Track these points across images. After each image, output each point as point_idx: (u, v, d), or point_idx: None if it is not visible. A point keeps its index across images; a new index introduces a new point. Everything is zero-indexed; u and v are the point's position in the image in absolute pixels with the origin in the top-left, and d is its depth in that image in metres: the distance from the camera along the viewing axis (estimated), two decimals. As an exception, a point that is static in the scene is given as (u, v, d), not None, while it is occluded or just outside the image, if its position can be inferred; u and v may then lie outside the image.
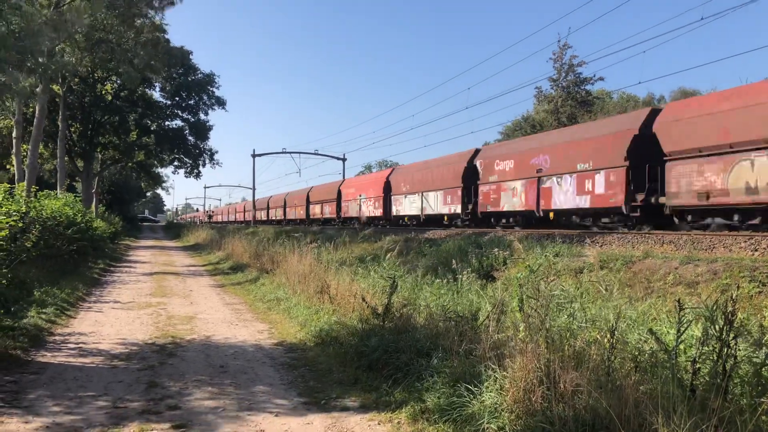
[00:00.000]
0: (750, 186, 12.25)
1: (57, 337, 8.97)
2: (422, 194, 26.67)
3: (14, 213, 11.26)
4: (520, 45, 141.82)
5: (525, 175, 19.42)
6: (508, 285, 9.69)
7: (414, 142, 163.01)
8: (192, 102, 45.01)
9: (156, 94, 44.15)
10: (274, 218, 57.36)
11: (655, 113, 15.48)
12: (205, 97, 45.10)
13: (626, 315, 6.46)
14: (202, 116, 45.87)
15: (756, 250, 10.04)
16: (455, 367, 5.73)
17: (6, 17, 10.81)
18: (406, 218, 28.74)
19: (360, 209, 34.35)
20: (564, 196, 17.55)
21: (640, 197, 15.11)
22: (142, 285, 16.31)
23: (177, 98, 44.38)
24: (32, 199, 15.16)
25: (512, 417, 4.65)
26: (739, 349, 4.28)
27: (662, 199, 14.50)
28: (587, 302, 7.56)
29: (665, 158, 14.34)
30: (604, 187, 16.12)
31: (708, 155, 13.24)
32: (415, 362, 6.32)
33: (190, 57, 41.65)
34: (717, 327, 4.17)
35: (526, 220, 20.05)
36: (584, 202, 16.83)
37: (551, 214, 18.32)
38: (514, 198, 19.96)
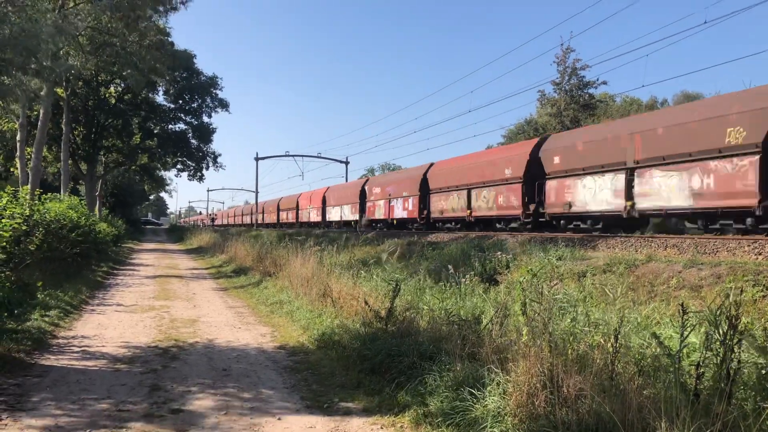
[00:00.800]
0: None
1: (60, 340, 8.98)
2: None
3: (18, 216, 11.30)
4: (523, 48, 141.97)
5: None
6: (511, 288, 9.67)
7: (417, 145, 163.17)
8: (195, 105, 45.21)
9: (159, 98, 44.35)
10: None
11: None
12: (208, 100, 45.29)
13: (630, 319, 6.45)
14: (205, 119, 46.08)
15: (760, 254, 10.02)
16: (458, 370, 5.72)
17: (9, 19, 10.86)
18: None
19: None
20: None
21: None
22: (145, 288, 16.34)
23: (180, 101, 44.57)
24: (36, 202, 15.20)
25: (515, 421, 4.64)
26: (744, 353, 4.27)
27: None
28: (590, 306, 7.55)
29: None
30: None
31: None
32: (418, 366, 6.31)
33: (194, 60, 41.82)
34: (721, 331, 4.16)
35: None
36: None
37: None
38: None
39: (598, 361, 4.80)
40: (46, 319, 9.90)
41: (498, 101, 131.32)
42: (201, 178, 48.32)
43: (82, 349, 8.40)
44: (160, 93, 43.33)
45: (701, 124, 13.45)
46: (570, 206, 17.70)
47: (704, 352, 4.26)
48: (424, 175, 27.54)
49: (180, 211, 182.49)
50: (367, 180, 37.70)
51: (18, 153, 24.43)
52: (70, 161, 33.23)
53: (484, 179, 22.20)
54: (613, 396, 4.32)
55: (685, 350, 4.62)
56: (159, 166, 50.62)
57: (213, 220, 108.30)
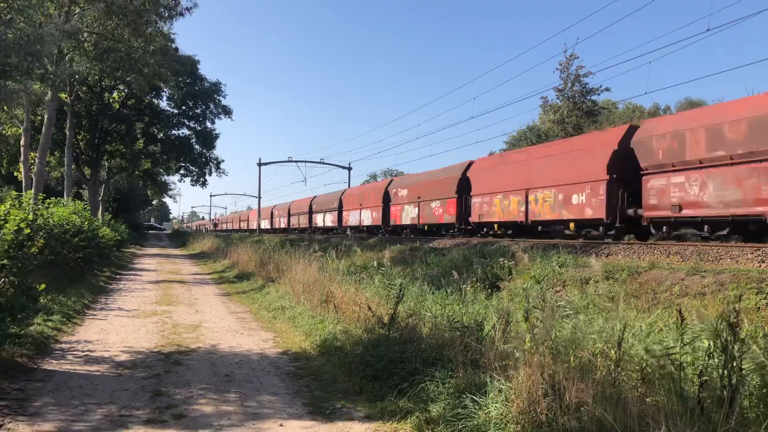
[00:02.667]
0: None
1: (63, 345, 8.99)
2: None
3: (21, 221, 11.33)
4: (526, 55, 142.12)
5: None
6: (513, 295, 9.67)
7: (419, 151, 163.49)
8: (198, 111, 45.29)
9: (163, 103, 44.45)
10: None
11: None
12: (211, 106, 45.38)
13: (633, 326, 6.44)
14: (208, 125, 46.16)
15: (763, 262, 10.01)
16: (460, 377, 5.72)
17: (14, 24, 10.92)
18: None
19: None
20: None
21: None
22: (147, 293, 16.35)
23: (184, 107, 44.66)
24: (39, 206, 15.24)
25: (517, 428, 4.64)
26: (746, 361, 4.26)
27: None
28: (593, 313, 7.54)
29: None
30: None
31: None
32: (420, 372, 6.30)
33: (198, 66, 41.94)
34: (723, 339, 4.15)
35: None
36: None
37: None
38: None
39: (600, 368, 4.80)
40: (49, 323, 9.91)
41: (500, 108, 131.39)
42: (204, 184, 48.48)
43: (85, 353, 8.41)
44: (164, 98, 43.50)
45: None
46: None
47: (706, 359, 4.26)
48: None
49: (183, 216, 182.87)
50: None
51: (22, 158, 24.49)
52: (73, 166, 33.30)
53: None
54: (615, 404, 4.32)
55: (688, 358, 4.62)
56: (162, 171, 50.74)
57: (216, 225, 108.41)
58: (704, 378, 4.17)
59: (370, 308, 8.66)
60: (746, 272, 8.66)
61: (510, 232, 21.65)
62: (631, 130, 16.99)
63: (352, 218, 37.76)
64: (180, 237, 72.47)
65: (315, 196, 48.84)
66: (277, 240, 30.58)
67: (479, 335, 6.74)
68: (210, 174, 47.81)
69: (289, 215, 54.52)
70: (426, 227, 28.18)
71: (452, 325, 7.21)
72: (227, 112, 45.88)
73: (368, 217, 35.19)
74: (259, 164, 55.95)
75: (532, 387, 4.73)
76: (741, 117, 13.24)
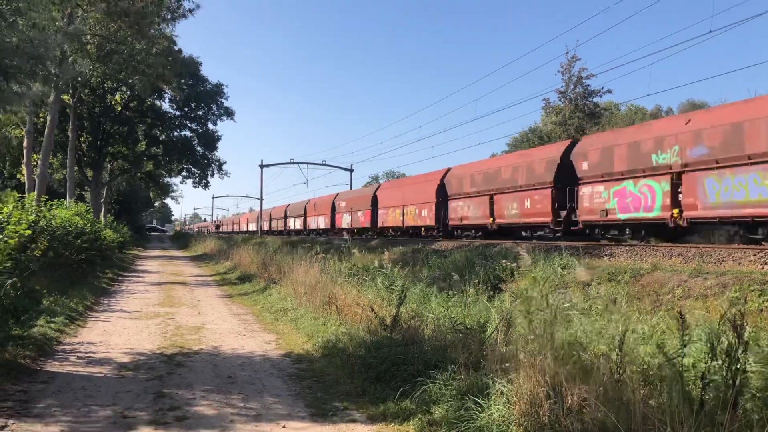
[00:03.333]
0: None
1: (65, 347, 9.01)
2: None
3: (24, 222, 11.35)
4: (528, 57, 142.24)
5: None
6: (515, 297, 9.66)
7: (422, 153, 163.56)
8: (201, 112, 45.39)
9: (165, 105, 44.54)
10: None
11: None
12: (213, 108, 45.48)
13: (635, 328, 6.43)
14: (210, 126, 46.24)
15: (766, 264, 9.99)
16: (463, 379, 5.73)
17: (17, 27, 10.95)
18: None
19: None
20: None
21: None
22: (150, 295, 16.38)
23: (186, 109, 44.75)
24: (42, 208, 15.27)
25: (520, 430, 4.64)
26: (750, 364, 4.26)
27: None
28: (595, 315, 7.53)
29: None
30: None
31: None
32: (422, 374, 6.30)
33: (200, 68, 42.03)
34: (726, 340, 4.15)
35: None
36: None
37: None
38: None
39: (602, 370, 4.79)
40: (52, 325, 9.93)
41: (502, 110, 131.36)
42: (206, 185, 48.59)
43: (87, 355, 8.43)
44: (166, 100, 43.60)
45: None
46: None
47: (709, 361, 4.26)
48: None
49: (185, 218, 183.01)
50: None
51: (24, 160, 24.53)
52: (75, 168, 33.39)
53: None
54: (618, 406, 4.32)
55: (691, 360, 4.62)
56: (164, 173, 50.83)
57: (218, 227, 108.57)
58: (707, 380, 4.17)
59: (372, 309, 8.67)
60: (749, 274, 8.64)
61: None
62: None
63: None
64: (182, 239, 72.58)
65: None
66: (279, 242, 30.59)
67: (481, 337, 6.75)
68: (212, 176, 47.93)
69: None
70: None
71: (455, 327, 7.22)
72: (229, 113, 46.01)
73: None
74: (261, 166, 56.02)
75: (534, 389, 4.73)
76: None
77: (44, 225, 13.72)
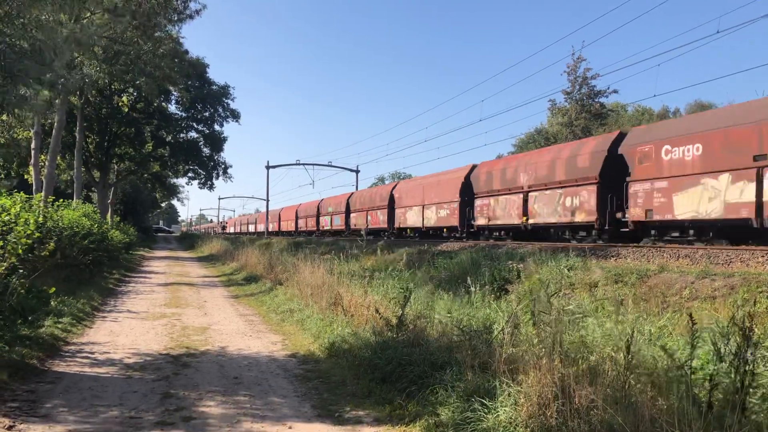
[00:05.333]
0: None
1: (73, 347, 9.05)
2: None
3: (32, 223, 11.40)
4: (534, 58, 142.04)
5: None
6: (521, 298, 9.64)
7: (428, 154, 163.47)
8: (207, 114, 45.53)
9: (171, 107, 44.72)
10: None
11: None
12: (220, 110, 45.61)
13: (642, 329, 6.41)
14: (216, 128, 46.38)
15: (774, 265, 9.94)
16: (469, 380, 5.71)
17: (28, 32, 11.00)
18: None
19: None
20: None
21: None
22: (156, 295, 16.42)
23: (192, 110, 44.91)
24: (49, 209, 15.33)
25: (527, 432, 4.62)
26: (758, 366, 4.24)
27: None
28: (602, 316, 7.51)
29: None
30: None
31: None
32: (429, 375, 6.30)
33: (206, 69, 42.17)
34: (734, 342, 4.13)
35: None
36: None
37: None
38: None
39: (610, 372, 4.78)
40: (59, 325, 9.97)
41: (509, 110, 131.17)
42: (211, 187, 48.70)
43: (95, 355, 8.46)
44: (173, 102, 43.77)
45: None
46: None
47: (717, 363, 4.24)
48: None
49: (191, 219, 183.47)
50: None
51: (32, 161, 24.67)
52: (83, 169, 33.53)
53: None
54: (626, 407, 4.30)
55: (698, 362, 4.59)
56: (170, 174, 51.01)
57: (224, 228, 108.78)
58: (716, 382, 4.15)
59: (377, 311, 8.67)
60: (757, 275, 8.60)
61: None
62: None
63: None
64: (188, 240, 72.75)
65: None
66: (285, 242, 30.61)
67: (488, 338, 6.74)
68: (217, 178, 48.08)
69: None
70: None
71: (461, 329, 7.21)
72: (235, 115, 46.15)
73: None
74: (267, 167, 56.16)
75: (542, 390, 4.72)
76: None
77: (51, 226, 13.77)
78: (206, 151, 46.94)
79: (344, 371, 7.59)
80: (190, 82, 38.96)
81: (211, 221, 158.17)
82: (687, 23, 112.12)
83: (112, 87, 37.86)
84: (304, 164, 57.57)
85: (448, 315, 8.62)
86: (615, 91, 44.19)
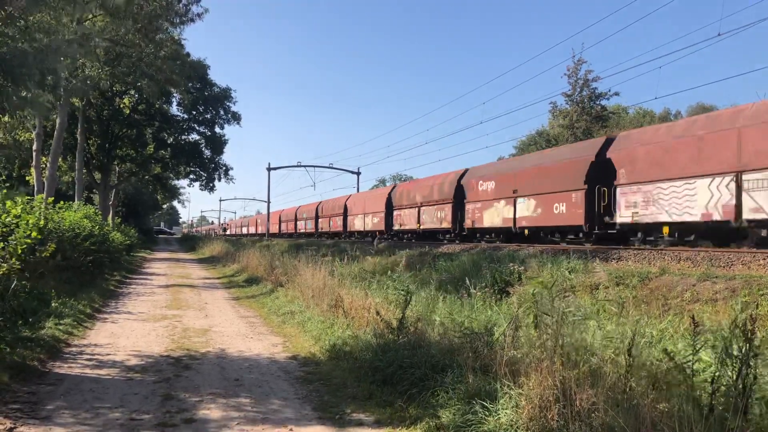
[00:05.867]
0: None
1: (74, 349, 9.05)
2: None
3: (33, 225, 11.40)
4: (535, 60, 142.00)
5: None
6: (523, 300, 9.64)
7: (429, 156, 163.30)
8: (208, 116, 45.56)
9: (173, 108, 44.76)
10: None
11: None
12: (221, 111, 45.64)
13: (644, 332, 6.40)
14: (217, 130, 46.42)
15: (775, 268, 9.93)
16: (470, 383, 5.70)
17: (31, 35, 11.02)
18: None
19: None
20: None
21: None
22: (157, 297, 16.42)
23: (194, 112, 44.94)
24: (51, 211, 15.33)
25: (528, 434, 4.62)
26: (760, 369, 4.23)
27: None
28: (603, 319, 7.50)
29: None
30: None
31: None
32: (430, 378, 6.30)
33: (208, 71, 42.20)
34: (736, 345, 4.13)
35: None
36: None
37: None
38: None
39: (611, 374, 4.77)
40: (60, 327, 9.97)
41: (510, 113, 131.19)
42: (212, 189, 48.73)
43: (96, 357, 8.46)
44: (174, 104, 43.82)
45: None
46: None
47: (719, 366, 4.23)
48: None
49: (192, 221, 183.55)
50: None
51: (33, 162, 24.69)
52: (84, 170, 33.56)
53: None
54: (627, 410, 4.29)
55: (699, 365, 4.59)
56: (172, 176, 51.05)
57: (225, 229, 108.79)
58: (717, 385, 4.14)
59: (378, 313, 8.66)
60: (758, 278, 8.59)
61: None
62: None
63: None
64: (189, 241, 72.77)
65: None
66: (286, 244, 30.61)
67: (489, 341, 6.73)
68: (219, 180, 48.11)
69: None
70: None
71: (462, 331, 7.20)
72: (236, 118, 46.14)
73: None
74: (269, 169, 56.15)
75: (543, 393, 4.71)
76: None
77: (53, 227, 13.77)
78: (207, 153, 46.99)
79: (345, 373, 7.59)
80: (191, 84, 38.97)
81: (212, 223, 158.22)
82: (688, 26, 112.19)
83: (114, 89, 37.90)
84: (305, 166, 57.54)
85: (450, 316, 8.62)
86: (616, 94, 44.12)
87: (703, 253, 11.93)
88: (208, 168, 47.29)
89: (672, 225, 15.03)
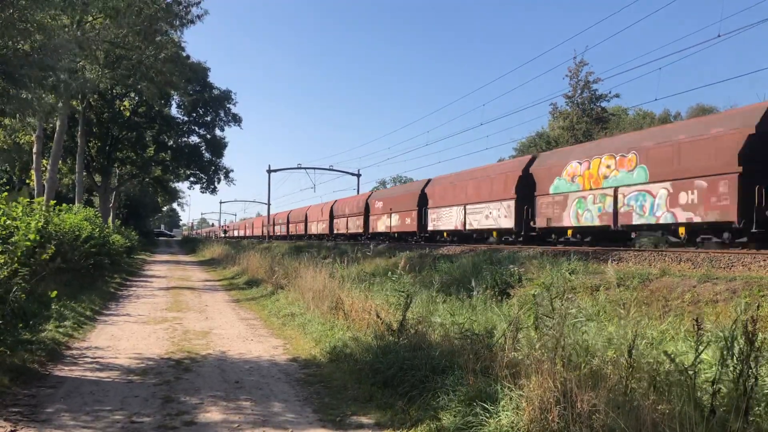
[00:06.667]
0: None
1: (74, 351, 9.04)
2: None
3: (33, 228, 11.40)
4: (535, 62, 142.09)
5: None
6: (523, 302, 9.63)
7: (429, 157, 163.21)
8: (209, 118, 45.59)
9: (173, 111, 44.79)
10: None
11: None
12: (221, 114, 45.67)
13: (644, 334, 6.40)
14: (218, 132, 46.45)
15: (776, 269, 9.91)
16: (471, 385, 5.70)
17: (31, 35, 11.04)
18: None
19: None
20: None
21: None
22: (158, 299, 16.41)
23: (194, 114, 44.97)
24: (51, 213, 15.34)
25: (529, 436, 4.61)
26: (762, 370, 4.23)
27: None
28: (604, 320, 7.50)
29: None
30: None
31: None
32: (430, 380, 6.29)
33: (208, 73, 42.24)
34: (737, 347, 4.12)
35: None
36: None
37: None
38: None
39: (612, 376, 4.77)
40: (61, 329, 9.97)
41: (510, 114, 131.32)
42: (213, 191, 48.79)
43: (96, 360, 8.45)
44: (174, 106, 43.85)
45: None
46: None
47: (720, 368, 4.23)
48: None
49: (192, 223, 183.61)
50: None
51: (34, 165, 24.70)
52: (84, 173, 33.56)
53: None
54: (628, 412, 4.29)
55: (700, 366, 4.58)
56: (172, 178, 51.08)
57: (225, 231, 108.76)
58: (718, 386, 4.13)
59: (378, 315, 8.66)
60: (759, 279, 8.58)
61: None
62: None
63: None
64: (190, 244, 72.77)
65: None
66: (286, 246, 30.62)
67: (489, 342, 6.72)
68: (219, 182, 48.16)
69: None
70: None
71: (462, 333, 7.20)
72: (237, 120, 46.17)
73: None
74: (269, 171, 56.10)
75: (544, 395, 4.70)
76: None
77: (53, 230, 13.77)
78: (207, 155, 47.02)
79: (345, 375, 7.58)
80: (191, 87, 39.01)
81: (213, 225, 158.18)
82: (688, 27, 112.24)
83: (114, 91, 37.94)
84: (305, 168, 57.46)
85: (450, 317, 8.62)
86: (617, 95, 44.16)
87: (704, 254, 11.92)
88: (209, 170, 47.34)
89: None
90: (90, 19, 21.68)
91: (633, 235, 17.47)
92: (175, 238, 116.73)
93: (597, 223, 16.96)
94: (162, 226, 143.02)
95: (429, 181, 30.07)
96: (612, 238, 17.61)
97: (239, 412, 6.11)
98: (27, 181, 35.57)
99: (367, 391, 6.78)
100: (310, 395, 6.86)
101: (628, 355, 4.73)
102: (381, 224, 34.74)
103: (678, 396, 4.34)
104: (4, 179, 41.34)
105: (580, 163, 18.01)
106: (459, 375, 6.04)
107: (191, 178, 48.64)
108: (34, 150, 24.46)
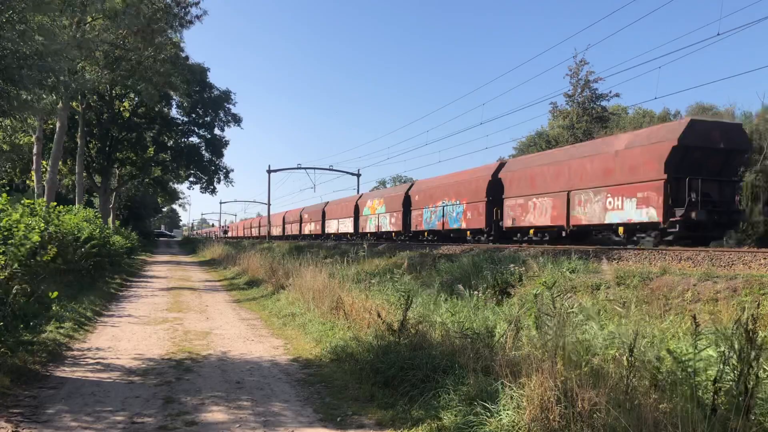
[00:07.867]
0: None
1: (75, 352, 9.04)
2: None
3: (34, 229, 11.39)
4: (535, 61, 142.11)
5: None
6: (524, 301, 9.63)
7: (429, 157, 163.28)
8: (208, 119, 45.57)
9: (173, 111, 44.78)
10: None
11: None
12: (221, 114, 45.66)
13: (645, 332, 6.39)
14: (217, 132, 46.44)
15: (776, 267, 9.91)
16: (471, 384, 5.70)
17: (30, 36, 11.04)
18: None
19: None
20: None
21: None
22: (158, 300, 16.41)
23: (194, 115, 44.96)
24: (51, 214, 15.33)
25: (530, 436, 4.61)
26: (763, 369, 4.22)
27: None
28: (605, 319, 7.50)
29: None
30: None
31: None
32: (431, 379, 6.29)
33: (207, 74, 42.22)
34: (738, 345, 4.12)
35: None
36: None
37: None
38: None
39: (613, 375, 4.77)
40: (61, 331, 9.97)
41: (510, 113, 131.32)
42: (213, 191, 48.79)
43: (97, 361, 8.45)
44: (174, 107, 43.84)
45: None
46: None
47: (721, 366, 4.22)
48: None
49: (193, 224, 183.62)
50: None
51: (34, 166, 24.71)
52: (84, 174, 33.56)
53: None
54: (629, 411, 4.29)
55: (702, 364, 4.58)
56: (172, 178, 51.08)
57: (225, 232, 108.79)
58: (719, 385, 4.13)
59: (379, 315, 8.65)
60: (759, 278, 8.58)
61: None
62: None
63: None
64: (190, 244, 72.76)
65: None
66: (287, 246, 30.62)
67: (490, 342, 6.73)
68: (219, 182, 48.15)
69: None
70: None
71: (463, 332, 7.20)
72: (237, 120, 46.16)
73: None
74: (269, 171, 56.09)
75: (544, 394, 4.70)
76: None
77: (53, 231, 13.77)
78: (207, 156, 47.02)
79: (346, 375, 7.58)
80: (190, 87, 39.00)
81: (213, 225, 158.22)
82: (688, 26, 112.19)
83: (113, 92, 37.94)
84: (305, 168, 57.45)
85: (451, 317, 8.62)
86: (617, 95, 44.06)
87: (704, 252, 11.92)
88: (209, 170, 47.32)
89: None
90: (89, 20, 21.67)
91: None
92: (175, 239, 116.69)
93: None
94: (162, 227, 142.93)
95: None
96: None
97: (240, 412, 6.11)
98: (27, 182, 35.55)
99: (367, 391, 6.78)
100: (311, 395, 6.86)
101: (629, 354, 4.73)
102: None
103: (679, 394, 4.35)
104: (5, 180, 41.35)
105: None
106: (460, 374, 6.04)
107: (191, 179, 48.64)
108: (34, 151, 24.46)
